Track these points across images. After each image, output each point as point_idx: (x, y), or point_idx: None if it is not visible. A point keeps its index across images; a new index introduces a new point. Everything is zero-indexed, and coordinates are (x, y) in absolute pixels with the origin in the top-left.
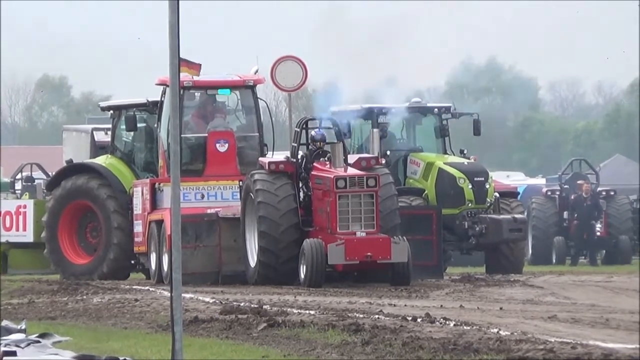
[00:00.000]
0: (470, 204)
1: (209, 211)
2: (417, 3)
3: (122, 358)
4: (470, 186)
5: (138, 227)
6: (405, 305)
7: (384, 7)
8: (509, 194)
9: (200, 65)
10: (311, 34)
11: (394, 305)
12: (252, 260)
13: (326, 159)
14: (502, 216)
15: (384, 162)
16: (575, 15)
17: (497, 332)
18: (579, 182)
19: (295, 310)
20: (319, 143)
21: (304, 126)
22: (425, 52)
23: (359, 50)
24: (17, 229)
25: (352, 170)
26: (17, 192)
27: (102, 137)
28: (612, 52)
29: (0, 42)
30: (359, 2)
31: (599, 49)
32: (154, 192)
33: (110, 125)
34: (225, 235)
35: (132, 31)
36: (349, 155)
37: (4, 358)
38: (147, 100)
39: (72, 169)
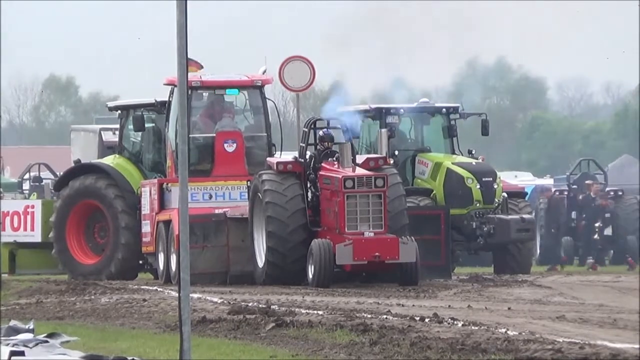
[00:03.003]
0: (478, 204)
1: (217, 211)
2: (423, 3)
3: (130, 358)
4: (478, 186)
5: (146, 227)
6: (413, 306)
7: (389, 7)
8: (517, 194)
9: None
10: (320, 34)
11: (402, 306)
12: (260, 261)
13: (334, 159)
14: (510, 216)
15: (392, 162)
16: (582, 15)
17: (505, 332)
18: (587, 182)
19: (303, 311)
20: (327, 143)
21: (312, 126)
22: (433, 52)
23: (367, 50)
24: (25, 229)
25: (360, 171)
26: (25, 192)
27: (110, 137)
28: (618, 52)
29: (0, 42)
30: (364, 2)
31: (607, 49)
32: (162, 192)
33: (118, 125)
34: (233, 235)
35: (139, 31)
36: (357, 155)
37: (12, 358)
38: (155, 100)
39: (80, 169)
